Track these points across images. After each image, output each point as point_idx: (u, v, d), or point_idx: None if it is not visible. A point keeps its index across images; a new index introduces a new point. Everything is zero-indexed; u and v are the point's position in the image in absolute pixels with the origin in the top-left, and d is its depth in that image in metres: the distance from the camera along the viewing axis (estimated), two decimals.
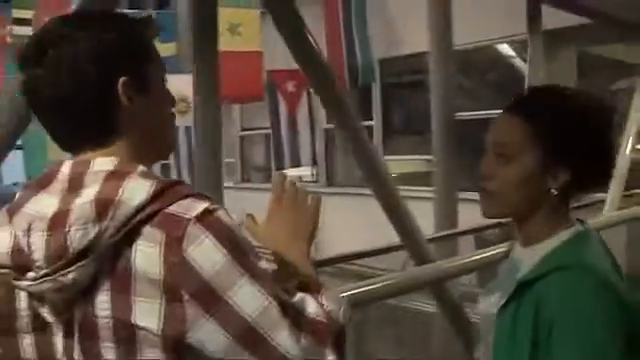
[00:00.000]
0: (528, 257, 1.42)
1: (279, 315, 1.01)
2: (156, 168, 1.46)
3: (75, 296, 1.01)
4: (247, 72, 7.52)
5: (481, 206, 1.46)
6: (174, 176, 8.28)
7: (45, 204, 1.03)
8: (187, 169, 8.69)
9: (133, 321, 0.99)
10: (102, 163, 1.07)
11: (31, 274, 1.00)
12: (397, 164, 9.86)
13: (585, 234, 1.43)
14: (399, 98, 10.93)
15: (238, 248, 1.03)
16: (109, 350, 1.01)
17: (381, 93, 10.39)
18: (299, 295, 1.08)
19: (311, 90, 10.68)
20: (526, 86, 5.52)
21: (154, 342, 0.99)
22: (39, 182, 1.08)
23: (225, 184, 12.38)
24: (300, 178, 11.72)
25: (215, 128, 3.02)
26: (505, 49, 9.25)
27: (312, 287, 1.14)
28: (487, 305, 1.50)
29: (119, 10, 1.24)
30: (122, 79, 1.10)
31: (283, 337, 1.01)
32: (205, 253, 1.00)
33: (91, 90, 1.09)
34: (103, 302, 1.01)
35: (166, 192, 1.03)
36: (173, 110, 1.23)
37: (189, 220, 1.01)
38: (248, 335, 1.00)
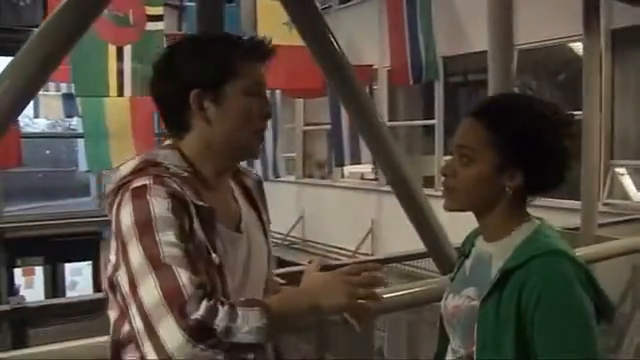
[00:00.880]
0: (498, 250, 1.56)
1: (150, 272, 1.25)
2: None
3: None
4: (307, 67, 7.48)
5: (444, 201, 1.61)
6: None
7: None
8: None
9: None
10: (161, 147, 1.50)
11: None
12: None
13: (546, 226, 1.58)
14: (462, 97, 10.72)
15: (144, 217, 1.29)
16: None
17: (444, 91, 10.20)
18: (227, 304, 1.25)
19: (374, 87, 10.69)
20: (584, 86, 5.32)
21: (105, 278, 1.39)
22: None
23: (286, 179, 12.49)
24: (362, 175, 11.66)
25: None
26: (578, 48, 8.93)
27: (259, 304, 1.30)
28: (460, 301, 1.61)
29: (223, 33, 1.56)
30: (194, 91, 1.42)
31: (146, 289, 1.24)
32: (125, 214, 1.31)
33: (169, 96, 1.47)
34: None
35: (142, 169, 1.39)
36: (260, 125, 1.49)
37: (129, 190, 1.34)
38: (131, 281, 1.28)
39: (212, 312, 1.22)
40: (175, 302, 1.21)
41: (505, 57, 3.92)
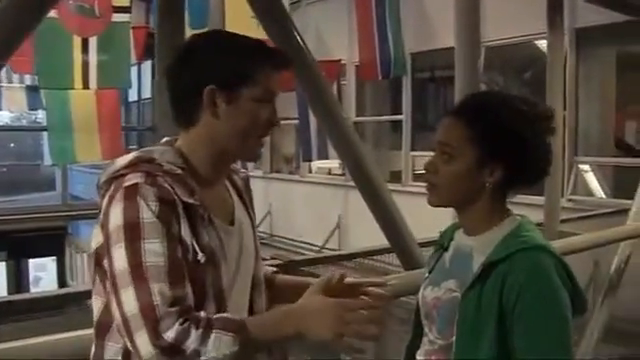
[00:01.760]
0: (479, 244, 1.61)
1: (131, 282, 1.28)
2: None
3: None
4: None
5: (427, 197, 1.64)
6: None
7: None
8: None
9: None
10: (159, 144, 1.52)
11: None
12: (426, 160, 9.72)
13: (527, 222, 1.63)
14: (430, 93, 10.79)
15: (132, 221, 1.31)
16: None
17: (412, 87, 10.26)
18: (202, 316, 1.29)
19: (342, 82, 10.70)
20: (547, 85, 5.38)
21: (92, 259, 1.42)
22: None
23: (254, 173, 12.38)
24: (330, 171, 11.68)
25: None
26: (544, 45, 9.02)
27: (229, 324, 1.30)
28: (441, 292, 1.65)
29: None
30: (209, 87, 1.43)
31: (126, 297, 1.29)
32: (115, 213, 1.34)
33: (183, 86, 1.47)
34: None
35: (135, 165, 1.40)
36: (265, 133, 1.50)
37: (122, 187, 1.35)
38: (113, 283, 1.32)
39: (184, 334, 1.26)
40: (149, 319, 1.26)
41: (472, 53, 3.95)
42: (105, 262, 1.35)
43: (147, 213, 1.32)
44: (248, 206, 1.64)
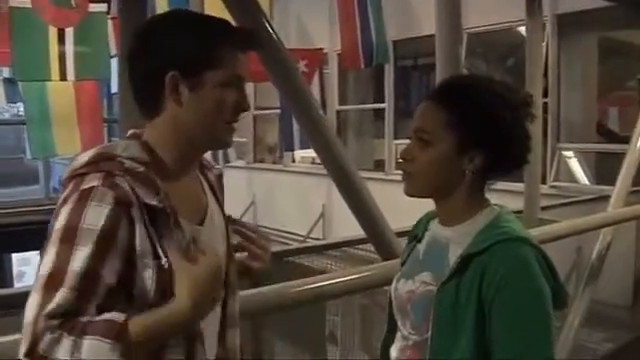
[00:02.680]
0: (456, 235, 1.55)
1: (42, 286, 1.21)
2: None
3: None
4: None
5: (404, 186, 1.57)
6: None
7: None
8: None
9: None
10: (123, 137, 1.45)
11: None
12: None
13: (506, 212, 1.57)
14: (413, 80, 10.76)
15: (73, 224, 1.24)
16: None
17: (394, 75, 10.23)
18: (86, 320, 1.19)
19: (324, 70, 10.64)
20: (527, 72, 5.36)
21: None
22: None
23: (237, 164, 12.37)
24: (313, 160, 11.65)
25: None
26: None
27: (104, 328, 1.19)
28: (415, 285, 1.58)
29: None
30: (171, 73, 1.33)
31: (31, 299, 1.20)
32: (63, 213, 1.26)
33: (144, 74, 1.38)
34: None
35: (96, 163, 1.31)
36: (233, 119, 1.41)
37: (78, 189, 1.28)
38: (34, 279, 1.24)
39: (54, 344, 1.16)
40: (32, 330, 1.18)
41: (453, 40, 3.90)
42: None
43: (89, 219, 1.24)
44: (222, 205, 1.56)
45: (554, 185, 7.90)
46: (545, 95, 6.89)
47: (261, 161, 13.06)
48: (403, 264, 1.68)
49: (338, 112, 11.19)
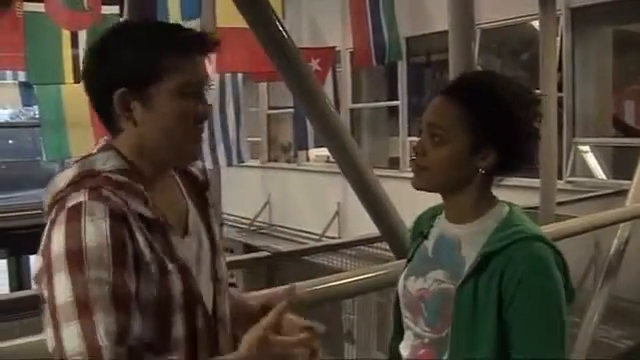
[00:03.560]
0: (467, 233, 1.53)
1: (74, 317, 1.15)
2: None
3: None
4: None
5: (412, 179, 1.57)
6: None
7: None
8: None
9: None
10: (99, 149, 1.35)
11: None
12: None
13: (517, 210, 1.56)
14: (426, 77, 10.71)
15: (75, 248, 1.18)
16: None
17: (407, 72, 10.18)
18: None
19: (337, 69, 10.61)
20: (541, 67, 5.33)
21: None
22: None
23: (251, 163, 12.34)
24: (327, 158, 11.63)
25: None
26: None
27: None
28: (427, 284, 1.56)
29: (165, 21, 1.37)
30: (119, 91, 1.28)
31: (69, 334, 1.15)
32: (57, 239, 1.20)
33: (95, 94, 1.33)
34: None
35: (78, 182, 1.26)
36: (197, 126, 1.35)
37: (64, 209, 1.22)
38: (53, 316, 1.18)
39: None
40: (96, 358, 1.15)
41: (466, 36, 3.88)
42: (45, 291, 1.20)
43: (91, 236, 1.18)
44: (208, 205, 1.49)
45: (570, 180, 7.83)
46: (560, 90, 6.82)
47: (275, 160, 13.04)
48: (409, 261, 1.68)
49: (352, 110, 11.16)
